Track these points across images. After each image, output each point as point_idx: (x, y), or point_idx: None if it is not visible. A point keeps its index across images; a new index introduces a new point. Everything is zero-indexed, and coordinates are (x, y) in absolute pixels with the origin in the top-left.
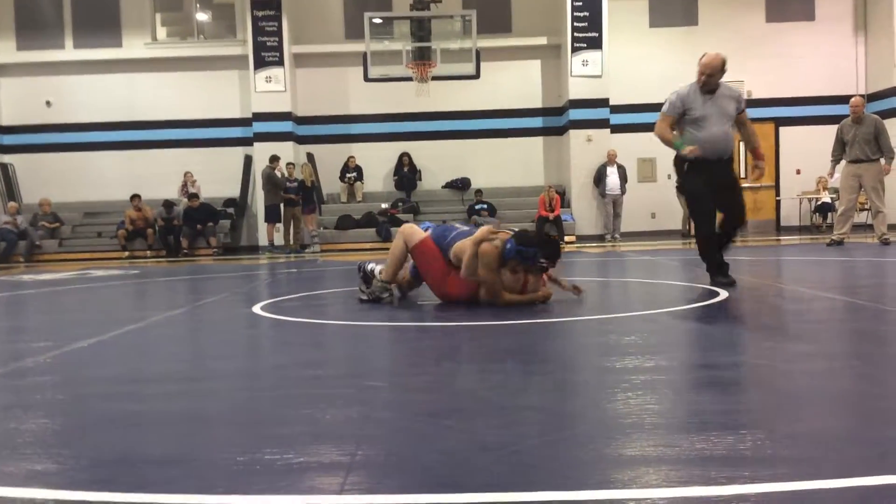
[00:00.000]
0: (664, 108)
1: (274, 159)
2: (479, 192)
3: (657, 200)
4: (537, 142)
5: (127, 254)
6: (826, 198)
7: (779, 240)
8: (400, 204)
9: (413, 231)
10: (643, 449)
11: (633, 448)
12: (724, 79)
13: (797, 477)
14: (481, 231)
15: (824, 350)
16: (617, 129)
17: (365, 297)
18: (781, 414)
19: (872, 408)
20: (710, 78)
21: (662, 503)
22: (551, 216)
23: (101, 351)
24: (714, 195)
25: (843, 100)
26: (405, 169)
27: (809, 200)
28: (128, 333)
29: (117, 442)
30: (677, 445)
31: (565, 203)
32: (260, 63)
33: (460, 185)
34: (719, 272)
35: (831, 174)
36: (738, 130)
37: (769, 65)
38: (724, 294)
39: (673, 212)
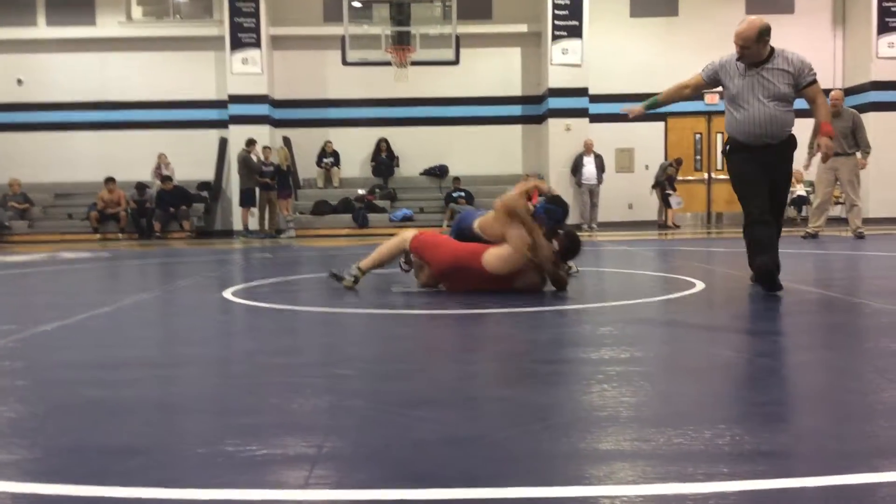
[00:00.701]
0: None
1: (250, 143)
2: (456, 179)
3: (635, 191)
4: (516, 130)
5: (98, 236)
6: (801, 191)
7: None
8: (377, 190)
9: (405, 231)
10: (619, 443)
11: (609, 442)
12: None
13: (777, 474)
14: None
15: (799, 343)
16: (596, 118)
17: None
18: (759, 408)
19: (849, 402)
20: (745, 50)
21: (639, 501)
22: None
23: (66, 335)
24: (762, 180)
25: (842, 93)
26: (383, 155)
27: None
28: (94, 317)
29: (74, 430)
30: (653, 440)
31: (542, 192)
32: (237, 44)
33: (438, 172)
34: (761, 272)
35: (807, 166)
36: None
37: None
38: (700, 285)
39: (650, 203)
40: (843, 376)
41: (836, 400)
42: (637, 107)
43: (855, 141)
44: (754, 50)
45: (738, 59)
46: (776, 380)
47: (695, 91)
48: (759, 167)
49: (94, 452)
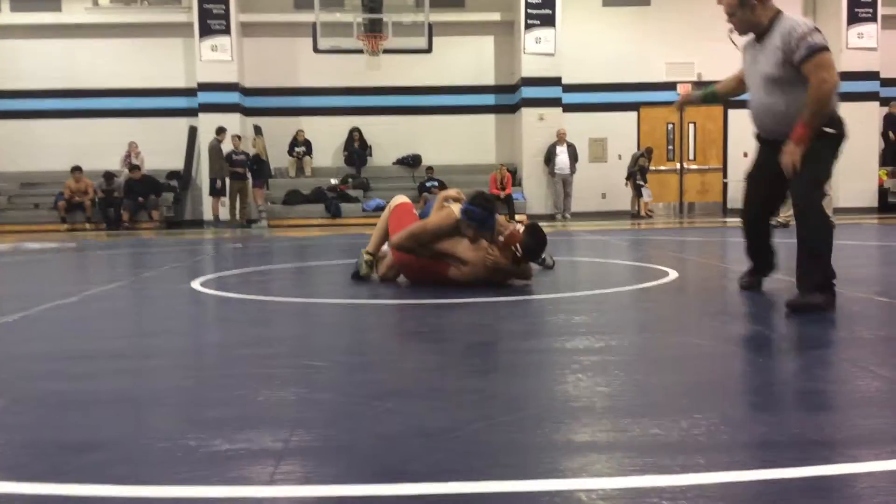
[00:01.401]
0: None
1: (220, 131)
2: (429, 169)
3: (608, 181)
4: (489, 119)
5: (66, 226)
6: None
7: (725, 222)
8: (350, 180)
9: (397, 197)
10: (594, 434)
11: (584, 433)
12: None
13: (756, 465)
14: (446, 191)
15: (774, 332)
16: (569, 108)
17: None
18: (736, 398)
19: (826, 392)
20: (732, 18)
21: (615, 494)
22: (502, 194)
23: (27, 326)
24: (765, 181)
25: None
26: (355, 144)
27: None
28: (58, 308)
29: (31, 425)
30: (629, 431)
31: (516, 182)
32: (205, 31)
33: (411, 161)
34: (752, 270)
35: None
36: None
37: (719, 47)
38: (673, 274)
39: (623, 193)
40: (819, 365)
41: (812, 390)
42: (694, 93)
43: None
44: (742, 17)
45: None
46: (752, 369)
47: (739, 80)
48: (765, 164)
49: (51, 447)
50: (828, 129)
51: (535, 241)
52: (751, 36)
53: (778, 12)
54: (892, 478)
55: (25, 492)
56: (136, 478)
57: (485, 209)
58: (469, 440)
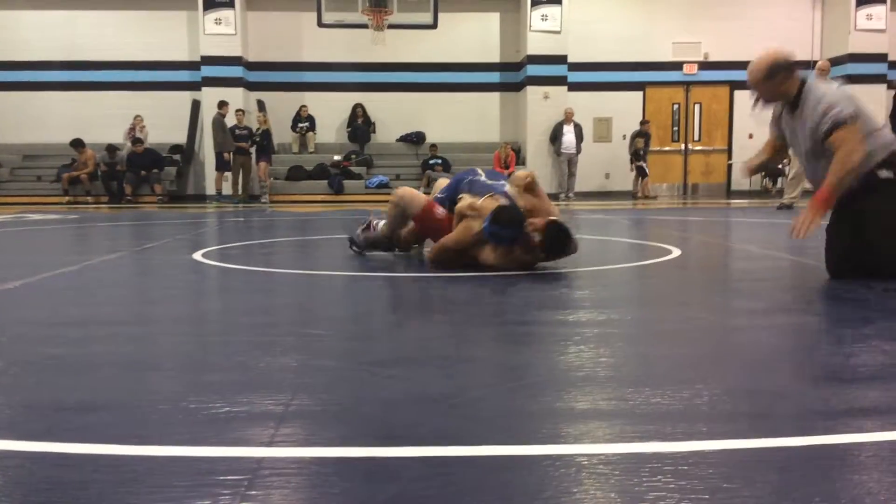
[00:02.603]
0: None
1: (222, 105)
2: (433, 146)
3: (612, 161)
4: (494, 97)
5: (67, 199)
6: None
7: (729, 203)
8: (353, 156)
9: (412, 197)
10: (596, 402)
11: (586, 401)
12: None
13: (757, 433)
14: (460, 206)
15: (776, 306)
16: (574, 87)
17: (357, 249)
18: (737, 369)
19: (830, 364)
20: (757, 92)
21: (616, 460)
22: (506, 173)
23: (29, 293)
24: (844, 233)
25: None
26: (359, 121)
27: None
28: (59, 276)
29: (31, 387)
30: (631, 399)
31: (521, 160)
32: (210, 4)
33: (415, 139)
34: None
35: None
36: None
37: (726, 27)
38: (676, 252)
39: (627, 173)
40: (823, 339)
41: (815, 362)
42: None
43: None
44: (765, 90)
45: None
46: (754, 342)
47: (776, 147)
48: (839, 219)
49: (49, 409)
50: (886, 174)
51: (552, 240)
52: (780, 104)
53: (804, 82)
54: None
55: (22, 449)
56: (135, 438)
57: (513, 229)
58: (471, 406)
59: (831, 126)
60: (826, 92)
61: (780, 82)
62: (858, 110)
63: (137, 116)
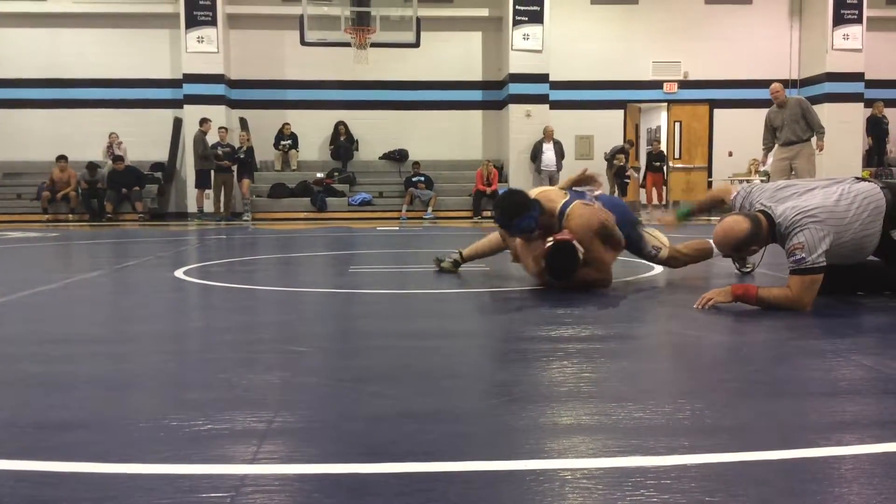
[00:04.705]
0: None
1: (203, 122)
2: (416, 164)
3: None
4: (476, 115)
5: (48, 217)
6: (757, 180)
7: (709, 219)
8: (336, 174)
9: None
10: (579, 417)
11: (569, 416)
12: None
13: (739, 447)
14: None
15: (759, 322)
16: (556, 105)
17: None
18: (719, 384)
19: (810, 379)
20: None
21: (599, 474)
22: (488, 190)
23: (7, 312)
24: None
25: (781, 84)
26: (342, 138)
27: (741, 182)
28: (39, 294)
29: (9, 405)
30: (614, 414)
31: (503, 178)
32: (192, 22)
33: (397, 156)
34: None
35: (764, 162)
36: None
37: (706, 46)
38: (658, 268)
39: (608, 190)
40: (803, 354)
41: (796, 376)
42: (669, 217)
43: (808, 125)
44: (736, 257)
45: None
46: (736, 357)
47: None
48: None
49: (29, 427)
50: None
51: (558, 265)
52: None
53: (769, 223)
54: (875, 460)
55: (4, 468)
56: (117, 456)
57: (503, 209)
58: (454, 422)
59: (793, 267)
60: (802, 232)
61: (749, 252)
62: (826, 238)
63: (113, 134)
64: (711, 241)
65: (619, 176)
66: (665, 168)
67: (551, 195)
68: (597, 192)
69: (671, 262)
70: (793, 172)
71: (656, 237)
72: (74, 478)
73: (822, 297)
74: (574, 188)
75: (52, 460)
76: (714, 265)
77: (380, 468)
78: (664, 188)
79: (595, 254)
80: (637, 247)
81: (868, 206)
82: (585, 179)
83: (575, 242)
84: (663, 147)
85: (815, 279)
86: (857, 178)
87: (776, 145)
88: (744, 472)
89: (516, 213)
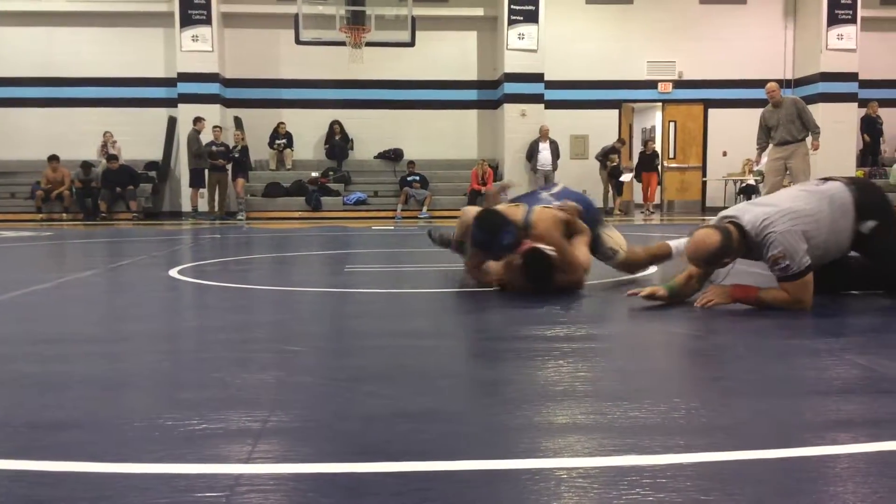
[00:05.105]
0: None
1: (197, 120)
2: (411, 163)
3: (589, 177)
4: (471, 115)
5: (42, 216)
6: (751, 180)
7: (704, 219)
8: (331, 173)
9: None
10: (574, 417)
11: (564, 416)
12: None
13: (734, 446)
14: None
15: (753, 321)
16: (551, 104)
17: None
18: (714, 383)
19: (805, 378)
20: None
21: (595, 473)
22: (483, 190)
23: (1, 311)
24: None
25: (777, 84)
26: (336, 137)
27: (735, 182)
28: (32, 294)
29: (3, 404)
30: (610, 413)
31: (498, 177)
32: (186, 21)
33: (393, 155)
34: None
35: (758, 161)
36: None
37: (701, 46)
38: (652, 268)
39: (602, 190)
40: (797, 353)
41: (790, 375)
42: (660, 290)
43: (803, 125)
44: (709, 270)
45: None
46: (731, 356)
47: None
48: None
49: (23, 427)
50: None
51: (534, 274)
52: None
53: (740, 233)
54: (870, 459)
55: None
56: (111, 455)
57: (484, 231)
58: (450, 421)
59: (781, 275)
60: (776, 238)
61: (723, 264)
62: (805, 242)
63: (107, 132)
64: (670, 243)
65: (613, 176)
66: (659, 167)
67: (510, 210)
68: (556, 189)
69: (626, 266)
70: (787, 172)
71: (614, 239)
72: (70, 477)
73: (816, 297)
74: (528, 194)
75: (47, 460)
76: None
77: (376, 467)
78: (658, 188)
79: (567, 256)
80: (594, 244)
81: (834, 204)
82: (497, 194)
83: (543, 248)
84: (658, 147)
85: (806, 280)
86: (823, 179)
87: (770, 145)
88: (739, 471)
89: (498, 231)
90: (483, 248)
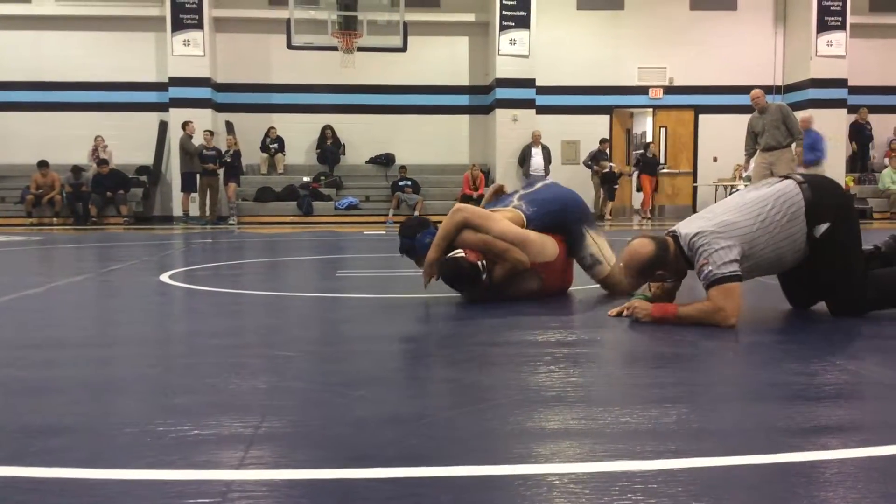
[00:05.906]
0: None
1: (185, 124)
2: (403, 168)
3: (580, 182)
4: (463, 120)
5: (32, 220)
6: (741, 185)
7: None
8: (322, 178)
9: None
10: (566, 422)
11: (556, 421)
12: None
13: (725, 452)
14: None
15: (744, 326)
16: (542, 110)
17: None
18: (705, 388)
19: (796, 384)
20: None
21: (587, 478)
22: (475, 195)
23: None
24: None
25: (762, 90)
26: (328, 142)
27: (725, 187)
28: (24, 298)
29: None
30: (601, 419)
31: (489, 182)
32: (178, 25)
33: (384, 160)
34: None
35: (747, 167)
36: None
37: (691, 52)
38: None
39: (593, 195)
40: (788, 359)
41: (780, 381)
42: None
43: (788, 130)
44: (640, 281)
45: None
46: (721, 361)
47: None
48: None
49: (14, 432)
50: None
51: (449, 280)
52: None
53: (678, 247)
54: (859, 464)
55: None
56: (102, 461)
57: (404, 236)
58: (442, 427)
59: (705, 283)
60: (702, 248)
61: (655, 269)
62: (733, 249)
63: (98, 137)
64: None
65: (606, 181)
66: (657, 170)
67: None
68: (531, 189)
69: (606, 283)
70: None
71: (600, 247)
72: (61, 483)
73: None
74: (501, 197)
75: (38, 466)
76: None
77: (368, 473)
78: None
79: (493, 246)
80: (576, 245)
81: (783, 208)
82: (491, 197)
83: (456, 254)
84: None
85: (730, 287)
86: (781, 178)
87: (758, 150)
88: (730, 477)
89: (415, 234)
90: (407, 253)
